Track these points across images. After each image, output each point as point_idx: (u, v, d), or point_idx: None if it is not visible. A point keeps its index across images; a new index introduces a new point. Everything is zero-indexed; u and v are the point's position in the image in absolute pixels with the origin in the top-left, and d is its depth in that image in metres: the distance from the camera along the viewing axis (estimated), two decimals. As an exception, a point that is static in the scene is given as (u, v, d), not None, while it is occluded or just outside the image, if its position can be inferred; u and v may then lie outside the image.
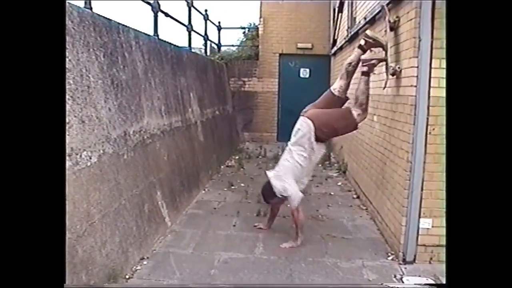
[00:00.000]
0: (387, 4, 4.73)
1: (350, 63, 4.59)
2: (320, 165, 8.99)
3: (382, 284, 3.79)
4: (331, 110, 4.63)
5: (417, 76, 3.90)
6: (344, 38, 8.52)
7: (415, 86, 3.92)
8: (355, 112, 4.53)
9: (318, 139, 4.52)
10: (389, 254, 4.38)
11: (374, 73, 4.79)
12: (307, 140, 4.49)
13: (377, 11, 5.26)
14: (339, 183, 7.50)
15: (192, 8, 8.78)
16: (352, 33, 7.42)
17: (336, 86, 4.64)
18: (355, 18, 7.69)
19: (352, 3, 7.97)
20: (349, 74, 4.61)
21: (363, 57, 4.59)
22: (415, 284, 3.73)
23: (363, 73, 4.55)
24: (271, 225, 5.05)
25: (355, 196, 6.64)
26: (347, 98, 4.70)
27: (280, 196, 4.59)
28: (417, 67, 3.89)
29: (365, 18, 6.06)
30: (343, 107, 4.69)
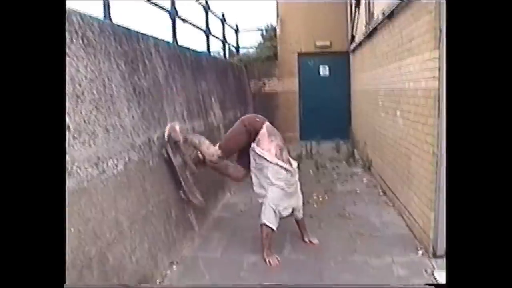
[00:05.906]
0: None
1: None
2: (344, 162, 8.96)
3: (384, 284, 3.74)
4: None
5: (439, 68, 3.84)
6: (363, 34, 8.45)
7: (438, 79, 3.86)
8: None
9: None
10: (419, 249, 4.32)
11: (400, 68, 4.71)
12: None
13: (395, 4, 5.20)
14: (364, 180, 7.45)
15: (209, 12, 8.82)
16: (371, 29, 7.36)
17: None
18: (372, 13, 7.61)
19: (369, -2, 7.91)
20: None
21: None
22: (415, 284, 3.66)
23: None
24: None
25: (381, 192, 6.58)
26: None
27: None
28: (439, 58, 3.84)
29: (383, 13, 6.00)
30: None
